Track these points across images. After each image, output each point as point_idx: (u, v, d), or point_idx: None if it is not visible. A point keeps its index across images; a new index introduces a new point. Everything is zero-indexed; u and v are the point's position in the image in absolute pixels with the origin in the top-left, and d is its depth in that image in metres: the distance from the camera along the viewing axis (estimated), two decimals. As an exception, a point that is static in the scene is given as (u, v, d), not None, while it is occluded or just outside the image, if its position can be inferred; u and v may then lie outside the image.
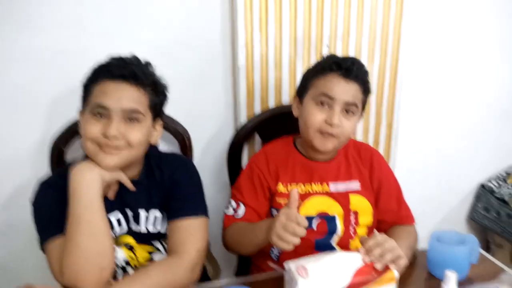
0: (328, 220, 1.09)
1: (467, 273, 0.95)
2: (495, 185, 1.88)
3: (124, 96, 0.90)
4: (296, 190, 0.86)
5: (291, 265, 0.82)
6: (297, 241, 0.80)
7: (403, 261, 0.84)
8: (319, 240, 1.09)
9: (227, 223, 1.10)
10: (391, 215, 1.14)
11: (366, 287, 0.79)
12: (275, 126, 1.34)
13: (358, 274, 0.79)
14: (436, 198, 1.90)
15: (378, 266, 0.80)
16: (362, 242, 0.86)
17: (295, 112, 1.13)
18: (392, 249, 0.83)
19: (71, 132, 1.18)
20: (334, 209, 1.10)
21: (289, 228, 0.81)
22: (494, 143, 1.92)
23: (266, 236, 0.87)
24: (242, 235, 1.03)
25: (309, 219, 1.08)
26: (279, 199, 1.10)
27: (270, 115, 1.34)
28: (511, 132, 1.93)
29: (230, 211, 1.10)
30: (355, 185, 1.12)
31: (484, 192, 1.91)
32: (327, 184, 1.11)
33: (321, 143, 1.04)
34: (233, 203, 1.11)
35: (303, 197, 1.09)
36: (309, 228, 1.07)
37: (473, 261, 0.96)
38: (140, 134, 0.92)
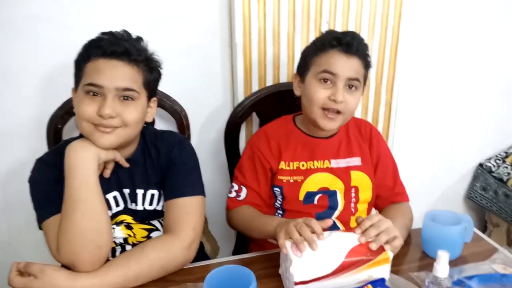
0: (329, 195, 1.10)
1: (460, 252, 0.96)
2: (493, 165, 1.88)
3: (118, 75, 0.88)
4: (330, 221, 0.86)
5: (287, 244, 0.83)
6: (296, 236, 0.80)
7: (399, 242, 0.85)
8: (320, 214, 1.10)
9: (230, 205, 1.11)
10: (386, 190, 1.15)
11: (360, 268, 0.80)
12: (273, 104, 1.32)
13: (352, 253, 0.80)
14: (434, 177, 1.91)
15: (373, 246, 0.81)
16: (358, 222, 0.86)
17: (297, 92, 1.12)
18: (388, 230, 0.83)
19: (68, 110, 1.17)
20: (336, 185, 1.11)
21: (298, 225, 0.82)
22: (493, 123, 1.91)
23: (275, 231, 0.88)
24: (251, 222, 1.05)
25: (311, 194, 1.10)
26: (281, 176, 1.10)
27: (268, 93, 1.32)
28: (510, 112, 1.92)
29: (233, 194, 1.12)
30: (356, 161, 1.13)
31: (482, 171, 1.91)
32: (329, 161, 1.11)
33: (326, 122, 1.04)
34: (236, 186, 1.12)
35: (305, 173, 1.10)
36: (310, 203, 1.09)
37: (467, 240, 0.97)
38: (136, 113, 0.91)
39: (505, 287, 0.84)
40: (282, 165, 1.10)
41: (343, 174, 1.11)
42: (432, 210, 1.00)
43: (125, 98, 0.90)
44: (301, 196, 1.10)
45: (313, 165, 1.10)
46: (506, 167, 1.84)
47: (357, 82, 1.03)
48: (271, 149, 1.11)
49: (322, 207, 1.10)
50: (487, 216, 1.97)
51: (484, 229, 1.98)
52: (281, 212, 1.14)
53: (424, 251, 1.00)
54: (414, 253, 1.00)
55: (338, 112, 1.03)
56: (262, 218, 1.04)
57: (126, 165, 0.97)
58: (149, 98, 0.97)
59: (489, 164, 1.88)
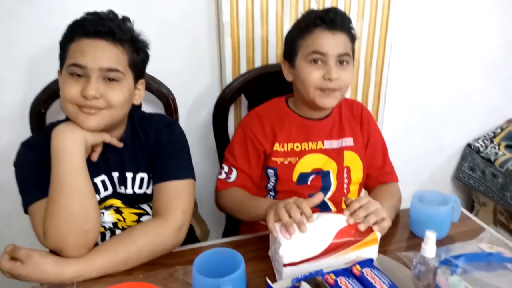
0: (322, 175, 1.11)
1: (448, 232, 0.97)
2: (481, 145, 1.89)
3: (101, 55, 0.86)
4: (322, 195, 0.85)
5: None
6: (286, 219, 0.79)
7: (387, 223, 0.85)
8: (313, 195, 1.09)
9: (220, 187, 1.10)
10: (375, 170, 1.16)
11: (349, 249, 0.80)
12: (262, 85, 1.31)
13: (340, 234, 0.80)
14: (423, 158, 1.92)
15: (362, 227, 0.81)
16: (347, 204, 0.86)
17: (288, 78, 1.11)
18: (376, 212, 0.84)
19: (51, 94, 1.14)
20: (329, 165, 1.11)
21: (288, 206, 0.81)
22: (482, 103, 1.92)
23: (265, 213, 0.87)
24: (241, 205, 1.04)
25: (305, 175, 1.10)
26: (275, 158, 1.10)
27: (256, 74, 1.30)
28: (499, 93, 1.93)
29: (223, 176, 1.10)
30: (348, 141, 1.13)
31: (470, 151, 1.93)
32: (322, 142, 1.11)
33: (324, 100, 1.03)
34: (226, 168, 1.11)
35: (299, 154, 1.10)
36: (303, 183, 1.09)
37: (454, 220, 0.98)
38: (121, 95, 0.89)
39: (491, 265, 0.85)
40: (277, 146, 1.09)
41: (336, 154, 1.11)
42: (420, 190, 1.00)
43: (110, 79, 0.88)
44: (295, 177, 1.10)
45: (307, 146, 1.10)
46: (494, 147, 1.86)
47: (347, 57, 1.03)
48: (264, 131, 1.10)
49: (315, 188, 1.11)
50: (474, 195, 2.00)
51: (471, 208, 2.02)
52: (273, 193, 1.14)
53: (412, 231, 1.00)
54: (402, 233, 1.01)
55: (334, 89, 1.02)
56: (252, 200, 1.03)
57: (119, 144, 0.96)
58: (136, 79, 0.95)
59: (477, 144, 1.90)
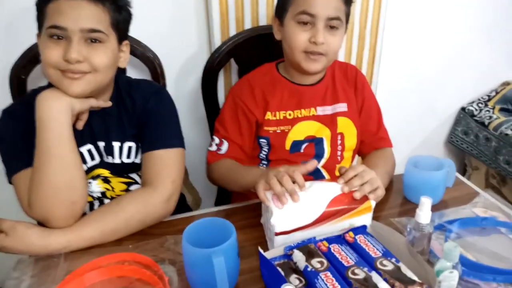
0: (316, 142, 1.08)
1: (442, 197, 0.96)
2: (475, 109, 1.87)
3: (81, 15, 0.81)
4: (315, 162, 0.83)
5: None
6: (278, 188, 0.77)
7: (381, 192, 0.84)
8: (305, 163, 1.07)
9: (211, 159, 1.07)
10: (369, 135, 1.14)
11: (342, 218, 0.79)
12: (252, 49, 1.25)
13: (334, 203, 0.78)
14: (416, 122, 1.91)
15: (357, 195, 0.80)
16: (341, 172, 0.84)
17: (277, 36, 1.06)
18: (372, 181, 0.82)
19: (31, 59, 1.09)
20: (322, 132, 1.08)
21: (279, 175, 0.78)
22: (476, 66, 1.89)
23: (256, 182, 0.84)
24: (231, 175, 1.02)
25: (298, 143, 1.07)
26: (267, 127, 1.06)
27: (246, 37, 1.24)
28: (495, 55, 1.90)
29: (213, 147, 1.07)
30: (342, 106, 1.10)
31: (464, 115, 1.91)
32: (315, 109, 1.08)
33: (309, 64, 0.99)
34: (216, 139, 1.07)
35: (291, 122, 1.06)
36: (297, 152, 1.06)
37: (448, 185, 0.97)
38: (105, 57, 0.85)
39: (485, 230, 0.85)
40: (269, 115, 1.06)
41: (330, 121, 1.08)
42: (414, 155, 0.98)
43: (93, 40, 0.83)
44: (288, 146, 1.07)
45: (300, 113, 1.07)
46: (488, 111, 1.84)
47: (337, 22, 0.97)
48: (256, 99, 1.06)
49: (309, 155, 1.08)
50: (466, 159, 2.00)
51: (463, 173, 2.03)
52: (265, 162, 1.11)
53: (405, 196, 0.99)
54: (395, 199, 1.00)
55: (320, 54, 0.97)
56: (242, 170, 1.01)
57: (108, 104, 0.92)
58: (120, 41, 0.90)
59: (471, 108, 1.88)
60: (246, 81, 1.10)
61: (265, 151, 1.10)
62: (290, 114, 1.06)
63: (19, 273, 0.78)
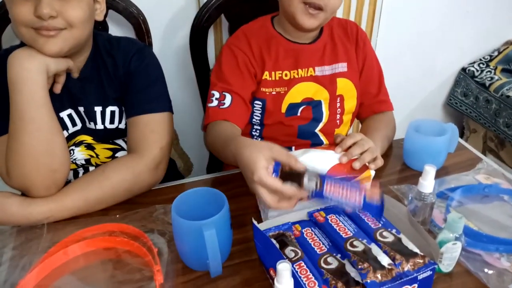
0: (313, 105, 1.02)
1: (443, 163, 0.92)
2: (476, 69, 1.81)
3: None
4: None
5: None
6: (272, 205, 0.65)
7: (381, 162, 0.80)
8: (302, 126, 1.03)
9: (212, 116, 0.93)
10: (370, 98, 1.08)
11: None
12: (243, 3, 1.17)
13: (331, 173, 0.74)
14: (415, 83, 1.86)
15: (357, 165, 0.76)
16: (337, 141, 0.80)
17: None
18: (371, 150, 0.78)
19: (3, 15, 1.00)
20: (320, 94, 1.02)
21: (259, 193, 0.65)
22: (478, 24, 1.81)
23: (234, 159, 0.74)
24: (217, 141, 0.89)
25: (294, 106, 1.01)
26: (264, 88, 0.99)
27: (237, -9, 1.15)
28: (498, 13, 1.82)
29: (214, 103, 0.94)
30: (342, 66, 1.03)
31: (464, 76, 1.85)
32: (313, 69, 1.00)
33: (305, 19, 0.90)
34: (216, 94, 0.95)
35: (288, 84, 0.99)
36: (293, 115, 1.01)
37: (450, 150, 0.93)
38: (80, 10, 0.77)
39: (488, 197, 0.82)
40: (266, 75, 0.98)
41: (329, 82, 1.02)
42: (415, 119, 0.94)
43: None
44: (283, 109, 1.00)
45: (297, 74, 0.99)
46: (490, 71, 1.78)
47: None
48: (253, 53, 0.97)
49: (306, 119, 1.02)
50: (465, 122, 1.96)
51: (461, 135, 2.00)
52: (259, 127, 1.05)
53: (405, 162, 0.95)
54: (394, 165, 0.96)
55: (319, 8, 0.89)
56: (224, 138, 0.86)
57: (76, 75, 0.86)
58: None
59: (472, 69, 1.82)
60: (242, 33, 1.01)
61: (257, 115, 1.03)
62: (286, 75, 0.99)
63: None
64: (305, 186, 0.64)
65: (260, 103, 1.00)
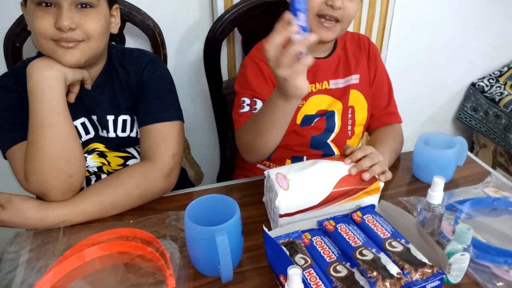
0: (327, 116, 1.04)
1: (452, 176, 0.93)
2: (486, 84, 1.82)
3: None
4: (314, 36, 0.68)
5: (271, 173, 0.78)
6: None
7: (389, 175, 0.82)
8: (315, 137, 1.04)
9: (244, 120, 0.93)
10: (379, 109, 1.10)
11: (349, 199, 0.76)
12: (257, 18, 1.19)
13: (340, 183, 0.75)
14: (425, 97, 1.87)
15: (367, 176, 0.77)
16: (347, 153, 0.81)
17: None
18: (381, 163, 0.80)
19: (25, 26, 1.02)
20: (334, 105, 1.04)
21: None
22: (488, 40, 1.82)
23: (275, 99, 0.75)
24: (257, 118, 0.86)
25: (309, 117, 1.03)
26: None
27: (251, 4, 1.18)
28: (507, 28, 1.82)
29: (246, 109, 0.95)
30: (355, 78, 1.06)
31: (473, 91, 1.86)
32: (327, 82, 1.03)
33: (322, 32, 0.92)
34: (247, 100, 0.95)
35: (305, 97, 0.99)
36: (307, 125, 1.02)
37: (459, 163, 0.93)
38: (98, 23, 0.81)
39: (496, 210, 0.82)
40: None
41: (342, 94, 1.04)
42: (424, 132, 0.95)
43: (83, 5, 0.79)
44: (299, 120, 1.03)
45: (314, 87, 1.02)
46: (499, 87, 1.78)
47: None
48: None
49: (319, 129, 1.04)
50: (474, 137, 1.96)
51: (471, 150, 1.99)
52: None
53: (414, 175, 0.96)
54: (403, 177, 0.97)
55: (336, 20, 0.91)
56: (257, 113, 0.87)
57: (89, 86, 0.89)
58: (110, 5, 0.86)
59: (481, 84, 1.83)
60: (263, 46, 1.03)
61: None
62: None
63: (17, 247, 0.76)
64: None
65: None
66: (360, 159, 0.79)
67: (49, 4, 0.76)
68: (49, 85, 0.78)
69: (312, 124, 1.04)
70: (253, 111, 0.95)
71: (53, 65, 0.79)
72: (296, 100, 0.75)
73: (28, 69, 0.79)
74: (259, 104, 0.96)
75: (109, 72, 0.91)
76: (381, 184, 0.78)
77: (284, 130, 0.83)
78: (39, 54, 0.84)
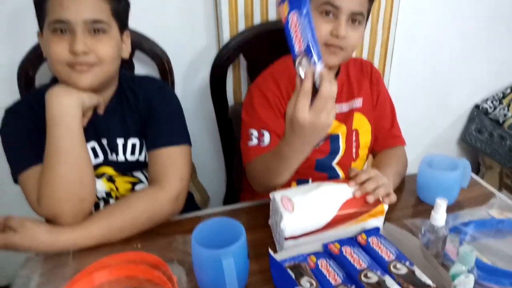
0: (332, 139, 1.06)
1: (456, 198, 0.94)
2: (490, 106, 1.83)
3: (83, 6, 0.81)
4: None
5: (276, 196, 0.79)
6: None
7: (394, 198, 0.83)
8: (320, 160, 1.06)
9: (253, 154, 0.96)
10: (383, 132, 1.12)
11: (354, 221, 0.77)
12: (261, 45, 1.24)
13: (346, 206, 0.77)
14: (429, 119, 1.88)
15: (371, 199, 0.78)
16: (351, 175, 0.83)
17: None
18: (385, 185, 0.81)
19: (39, 55, 1.06)
20: (338, 129, 1.07)
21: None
22: (491, 63, 1.85)
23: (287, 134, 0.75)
24: (268, 161, 0.89)
25: None
26: None
27: (256, 32, 1.23)
28: (509, 52, 1.85)
29: (254, 142, 0.97)
30: (358, 102, 1.08)
31: (478, 113, 1.87)
32: None
33: (327, 57, 0.95)
34: (255, 132, 0.98)
35: None
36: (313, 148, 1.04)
37: (463, 185, 0.94)
38: (110, 48, 0.85)
39: (501, 232, 0.82)
40: None
41: (346, 117, 1.07)
42: (427, 154, 0.96)
43: (96, 31, 0.83)
44: None
45: None
46: (503, 108, 1.80)
47: (360, 17, 0.94)
48: (282, 93, 1.02)
49: (324, 152, 1.06)
50: (480, 158, 1.96)
51: (477, 172, 1.99)
52: None
53: (418, 197, 0.97)
54: (408, 199, 0.98)
55: (340, 48, 0.95)
56: (270, 153, 0.88)
57: (101, 111, 0.92)
58: (121, 31, 0.90)
59: (485, 106, 1.84)
60: (269, 74, 1.06)
61: None
62: None
63: (27, 271, 0.78)
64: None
65: None
66: (364, 182, 0.80)
67: (63, 31, 0.80)
68: (68, 112, 0.81)
69: (317, 147, 1.06)
70: (261, 144, 0.97)
71: (71, 92, 0.82)
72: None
73: (47, 96, 0.82)
74: (266, 136, 0.98)
75: (120, 97, 0.94)
76: (385, 207, 0.79)
77: (295, 169, 0.84)
78: (53, 82, 0.88)
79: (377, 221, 0.79)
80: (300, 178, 1.08)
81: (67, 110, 0.81)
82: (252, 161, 0.97)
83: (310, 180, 1.07)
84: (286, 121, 0.71)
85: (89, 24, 0.81)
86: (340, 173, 1.09)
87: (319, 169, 1.07)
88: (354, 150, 1.09)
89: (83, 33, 0.81)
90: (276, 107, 1.01)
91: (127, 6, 0.92)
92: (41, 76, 1.12)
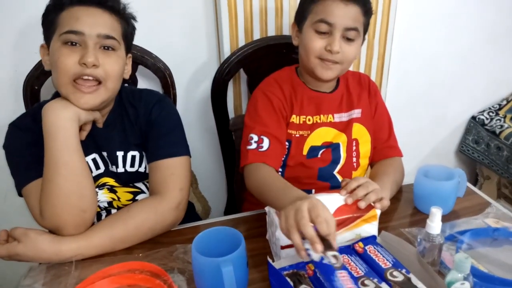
0: (333, 148, 1.08)
1: (453, 207, 0.95)
2: (486, 117, 1.86)
3: (98, 21, 0.84)
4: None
5: (271, 210, 0.80)
6: (297, 241, 0.67)
7: (386, 202, 0.84)
8: (322, 169, 1.08)
9: (252, 158, 0.98)
10: (380, 142, 1.14)
11: (348, 227, 0.79)
12: (261, 59, 1.26)
13: (338, 213, 0.78)
14: (426, 131, 1.90)
15: (362, 204, 0.79)
16: (343, 185, 0.84)
17: (295, 42, 1.08)
18: (376, 191, 0.82)
19: (44, 70, 1.10)
20: (339, 138, 1.09)
21: (302, 223, 0.66)
22: (487, 75, 1.87)
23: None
24: (265, 188, 0.90)
25: (315, 148, 1.07)
26: (290, 130, 1.06)
27: (255, 47, 1.25)
28: (505, 62, 1.88)
29: (253, 146, 0.99)
30: (357, 113, 1.11)
31: (474, 124, 1.89)
32: (332, 115, 1.09)
33: (323, 71, 1.00)
34: (255, 137, 1.00)
35: (311, 128, 1.06)
36: (314, 157, 1.06)
37: (459, 195, 0.96)
38: (117, 66, 0.87)
39: (497, 241, 0.84)
40: (293, 118, 1.06)
41: (346, 126, 1.09)
42: (424, 165, 0.98)
43: (106, 48, 0.85)
44: (305, 151, 1.07)
45: (319, 119, 1.07)
46: (499, 120, 1.82)
47: (354, 32, 0.98)
48: (285, 97, 1.05)
49: (325, 161, 1.08)
50: (478, 169, 1.97)
51: (474, 182, 2.00)
52: (281, 169, 1.10)
53: (415, 206, 0.99)
54: (405, 209, 0.99)
55: (335, 62, 0.98)
56: (276, 188, 0.86)
57: (100, 126, 0.94)
58: (127, 52, 0.93)
59: (482, 117, 1.86)
60: (273, 80, 1.09)
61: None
62: (309, 120, 1.07)
63: (30, 280, 0.78)
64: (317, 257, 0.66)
65: (287, 144, 1.07)
66: (355, 189, 0.82)
67: (74, 43, 0.82)
68: (64, 125, 0.83)
69: (319, 156, 1.08)
70: (259, 149, 0.99)
71: (68, 106, 0.84)
72: None
73: (44, 110, 0.84)
74: (266, 142, 1.00)
75: (119, 111, 0.96)
76: (378, 212, 0.80)
77: None
78: (55, 96, 0.90)
79: (371, 226, 0.80)
80: (303, 189, 1.08)
81: (63, 123, 0.83)
82: (251, 165, 0.98)
83: (313, 191, 1.07)
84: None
85: (102, 39, 0.83)
86: None
87: (321, 178, 1.09)
88: (354, 159, 1.11)
89: (95, 47, 0.83)
90: (279, 111, 1.04)
91: (133, 30, 0.95)
92: (46, 91, 1.14)
